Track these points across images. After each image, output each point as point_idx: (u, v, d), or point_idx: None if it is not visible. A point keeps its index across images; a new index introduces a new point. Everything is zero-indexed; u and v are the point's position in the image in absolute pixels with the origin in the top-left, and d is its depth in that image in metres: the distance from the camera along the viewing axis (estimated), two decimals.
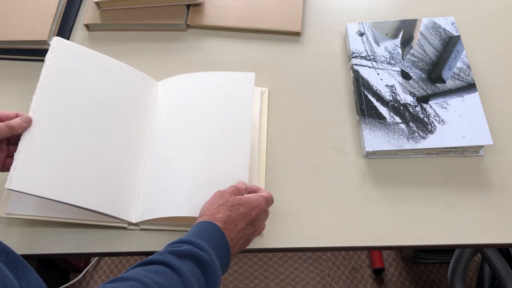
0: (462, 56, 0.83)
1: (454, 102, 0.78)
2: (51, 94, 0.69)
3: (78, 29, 0.95)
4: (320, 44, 0.91)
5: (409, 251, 1.49)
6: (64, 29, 0.92)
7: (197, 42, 0.92)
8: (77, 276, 1.50)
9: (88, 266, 1.53)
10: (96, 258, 1.55)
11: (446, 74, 0.81)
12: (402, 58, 0.84)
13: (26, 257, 0.55)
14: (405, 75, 0.82)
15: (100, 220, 0.69)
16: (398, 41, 0.86)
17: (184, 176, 0.71)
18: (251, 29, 0.92)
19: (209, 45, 0.92)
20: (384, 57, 0.84)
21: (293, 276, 1.52)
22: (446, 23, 0.87)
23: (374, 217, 0.72)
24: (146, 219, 0.69)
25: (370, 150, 0.75)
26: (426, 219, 0.72)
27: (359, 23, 0.89)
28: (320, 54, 0.90)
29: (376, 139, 0.76)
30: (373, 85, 0.81)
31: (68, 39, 0.93)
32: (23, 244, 0.71)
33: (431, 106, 0.78)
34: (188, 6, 0.94)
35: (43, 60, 0.71)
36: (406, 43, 0.85)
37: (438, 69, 0.82)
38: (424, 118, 0.77)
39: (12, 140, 0.68)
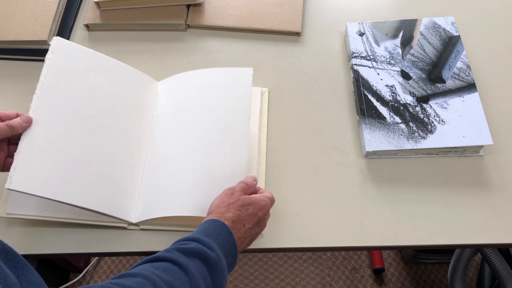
0: (462, 56, 0.83)
1: (454, 102, 0.78)
2: (51, 94, 0.69)
3: (78, 29, 0.95)
4: (320, 44, 0.91)
5: (409, 251, 1.49)
6: (64, 29, 0.92)
7: (197, 42, 0.92)
8: (77, 276, 1.50)
9: (88, 266, 1.53)
10: (96, 258, 1.55)
11: (446, 74, 0.81)
12: (402, 58, 0.84)
13: (26, 257, 0.55)
14: (405, 75, 0.82)
15: (100, 220, 0.70)
16: (398, 41, 0.86)
17: (184, 176, 0.71)
18: (251, 29, 0.92)
19: (209, 45, 0.92)
20: (384, 57, 0.84)
21: (293, 276, 1.52)
22: (446, 23, 0.87)
23: (374, 217, 0.72)
24: (146, 219, 0.69)
25: (370, 150, 0.75)
26: (426, 219, 0.72)
27: (359, 23, 0.89)
28: (320, 54, 0.90)
29: (376, 139, 0.76)
30: (373, 85, 0.81)
31: (68, 39, 0.93)
32: (23, 244, 0.71)
33: (431, 106, 0.78)
34: (188, 6, 0.94)
35: (43, 60, 0.71)
36: (406, 43, 0.85)
37: (438, 69, 0.82)
38: (424, 118, 0.77)
39: (12, 140, 0.68)
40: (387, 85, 0.81)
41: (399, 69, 0.83)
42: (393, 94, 0.80)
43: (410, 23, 0.88)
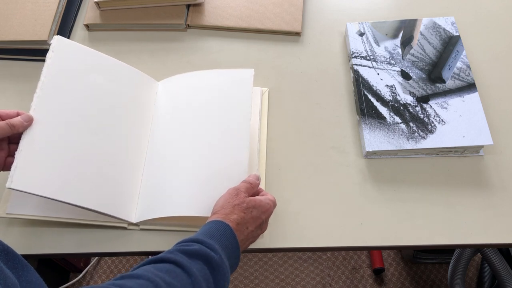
0: (462, 56, 0.83)
1: (454, 102, 0.78)
2: (52, 93, 0.69)
3: (78, 29, 0.95)
4: (320, 44, 0.91)
5: (409, 251, 1.49)
6: (64, 29, 0.92)
7: (197, 42, 0.92)
8: (77, 276, 1.50)
9: (88, 266, 1.53)
10: (96, 258, 1.55)
11: (446, 74, 0.81)
12: (402, 58, 0.84)
13: (26, 257, 0.55)
14: (405, 75, 0.82)
15: (100, 220, 0.70)
16: (398, 41, 0.86)
17: (184, 176, 0.71)
18: (251, 29, 0.92)
19: (209, 45, 0.92)
20: (384, 57, 0.84)
21: (293, 276, 1.52)
22: (446, 23, 0.87)
23: (374, 217, 0.72)
24: (146, 219, 0.69)
25: (370, 150, 0.75)
26: (426, 219, 0.72)
27: (359, 23, 0.89)
28: (320, 54, 0.90)
29: (376, 139, 0.76)
30: (373, 85, 0.81)
31: (68, 39, 0.92)
32: (23, 244, 0.71)
33: (431, 106, 0.78)
34: (188, 6, 0.94)
35: (43, 60, 0.71)
36: (406, 43, 0.85)
37: (438, 69, 0.82)
38: (424, 118, 0.77)
39: (13, 139, 0.68)
40: (387, 85, 0.81)
41: (399, 69, 0.83)
42: (393, 94, 0.80)
43: (410, 23, 0.88)
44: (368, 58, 0.84)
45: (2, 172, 0.68)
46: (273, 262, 1.54)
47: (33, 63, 0.90)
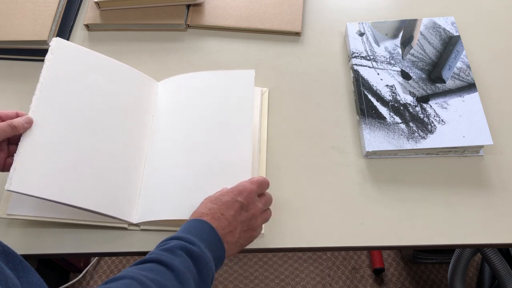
0: (462, 56, 0.83)
1: (454, 102, 0.78)
2: (50, 95, 0.69)
3: (78, 29, 0.95)
4: (320, 44, 0.91)
5: (409, 251, 1.49)
6: (64, 29, 0.92)
7: (197, 42, 0.92)
8: (77, 276, 1.50)
9: (88, 266, 1.53)
10: (96, 258, 1.55)
11: (446, 74, 0.81)
12: (402, 58, 0.84)
13: (26, 257, 0.55)
14: (405, 75, 0.82)
15: (101, 220, 0.69)
16: (398, 41, 0.86)
17: (185, 177, 0.70)
18: (251, 29, 0.92)
19: (209, 45, 0.92)
20: (384, 57, 0.84)
21: (293, 276, 1.52)
22: (446, 23, 0.87)
23: (374, 217, 0.72)
24: (146, 220, 0.69)
25: (370, 150, 0.75)
26: (426, 219, 0.72)
27: (359, 23, 0.89)
28: (320, 54, 0.90)
29: (376, 139, 0.76)
30: (373, 85, 0.81)
31: (68, 39, 0.93)
32: (23, 244, 0.71)
33: (431, 106, 0.78)
34: (188, 6, 0.94)
35: (43, 60, 0.71)
36: (406, 43, 0.85)
37: (438, 69, 0.82)
38: (424, 118, 0.77)
39: (12, 140, 0.68)
40: (387, 85, 0.81)
41: (399, 69, 0.83)
42: (393, 94, 0.80)
43: (410, 23, 0.88)
44: (368, 58, 0.84)
45: (2, 173, 0.68)
46: (273, 262, 1.54)
47: (33, 63, 0.90)
